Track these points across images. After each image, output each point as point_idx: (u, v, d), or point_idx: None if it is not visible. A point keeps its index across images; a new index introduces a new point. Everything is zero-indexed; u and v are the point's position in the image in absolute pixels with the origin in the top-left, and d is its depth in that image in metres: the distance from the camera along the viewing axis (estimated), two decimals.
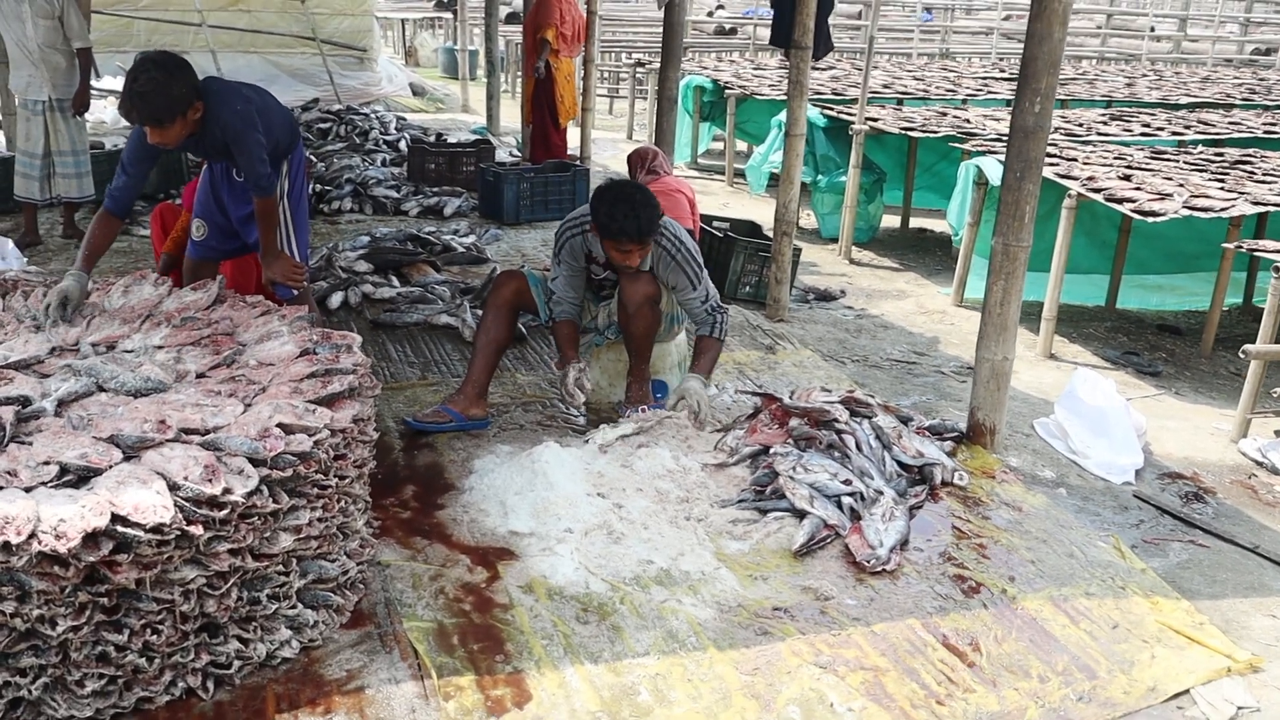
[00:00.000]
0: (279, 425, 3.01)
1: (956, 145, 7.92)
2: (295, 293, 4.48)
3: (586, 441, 4.24)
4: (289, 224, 4.48)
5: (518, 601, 3.30)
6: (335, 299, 6.26)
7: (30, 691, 2.61)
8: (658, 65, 8.72)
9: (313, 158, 10.02)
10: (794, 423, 4.26)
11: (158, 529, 2.61)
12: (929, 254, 9.00)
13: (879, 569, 3.54)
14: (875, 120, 8.81)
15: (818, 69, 13.69)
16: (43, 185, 7.01)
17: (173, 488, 2.72)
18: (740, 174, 11.55)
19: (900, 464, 4.22)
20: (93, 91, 7.43)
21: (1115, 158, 7.17)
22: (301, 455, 2.97)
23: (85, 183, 7.15)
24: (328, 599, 3.10)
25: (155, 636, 2.71)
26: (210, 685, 2.83)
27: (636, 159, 6.71)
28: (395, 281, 6.65)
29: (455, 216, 8.78)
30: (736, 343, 5.89)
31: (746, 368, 5.50)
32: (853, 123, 8.53)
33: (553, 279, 4.58)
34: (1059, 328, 6.74)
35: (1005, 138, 8.06)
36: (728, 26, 23.65)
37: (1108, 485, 4.47)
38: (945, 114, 9.55)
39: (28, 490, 2.67)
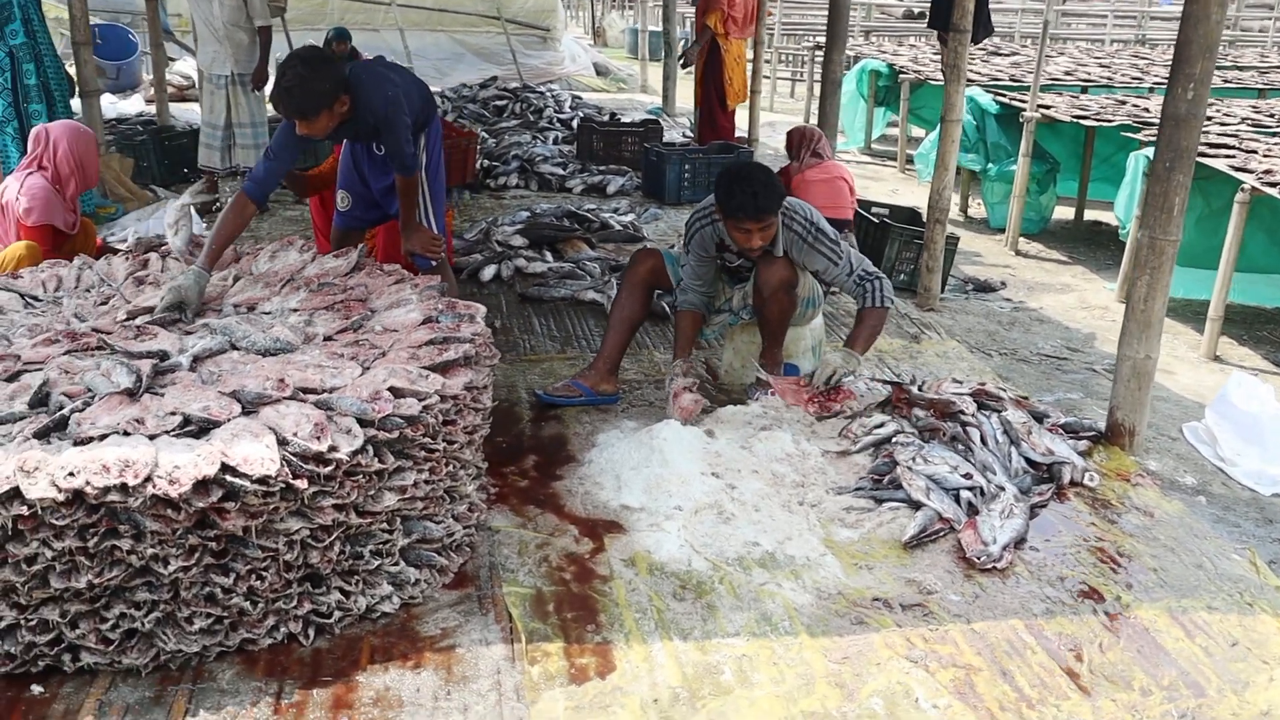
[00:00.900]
0: (390, 389, 3.10)
1: (1130, 135, 7.56)
2: (434, 263, 4.60)
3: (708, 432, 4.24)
4: (427, 197, 4.61)
5: (618, 574, 3.33)
6: (488, 272, 6.42)
7: (144, 624, 2.76)
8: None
9: (485, 133, 10.25)
10: (918, 413, 4.16)
11: (263, 480, 2.73)
12: (1101, 248, 8.65)
13: (989, 566, 3.43)
14: (1048, 107, 8.49)
15: (1000, 54, 13.28)
16: (223, 155, 7.38)
17: (282, 443, 2.83)
18: (912, 161, 11.31)
19: (1028, 461, 4.08)
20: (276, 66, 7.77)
21: None
22: (409, 419, 3.06)
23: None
24: (431, 559, 3.19)
25: (259, 582, 2.83)
26: (311, 632, 2.94)
27: (799, 138, 6.64)
28: (549, 256, 6.76)
29: (618, 195, 8.87)
30: (884, 330, 5.79)
31: (888, 356, 5.40)
32: (1024, 109, 8.24)
33: (684, 264, 4.60)
34: (1231, 329, 6.41)
35: None
36: (916, 10, 23.12)
37: (1254, 496, 4.23)
38: (1124, 103, 9.13)
39: (151, 438, 2.82)
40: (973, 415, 4.11)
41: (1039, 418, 4.41)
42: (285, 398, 3.03)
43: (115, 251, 4.80)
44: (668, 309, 5.64)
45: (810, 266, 4.41)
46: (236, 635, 2.86)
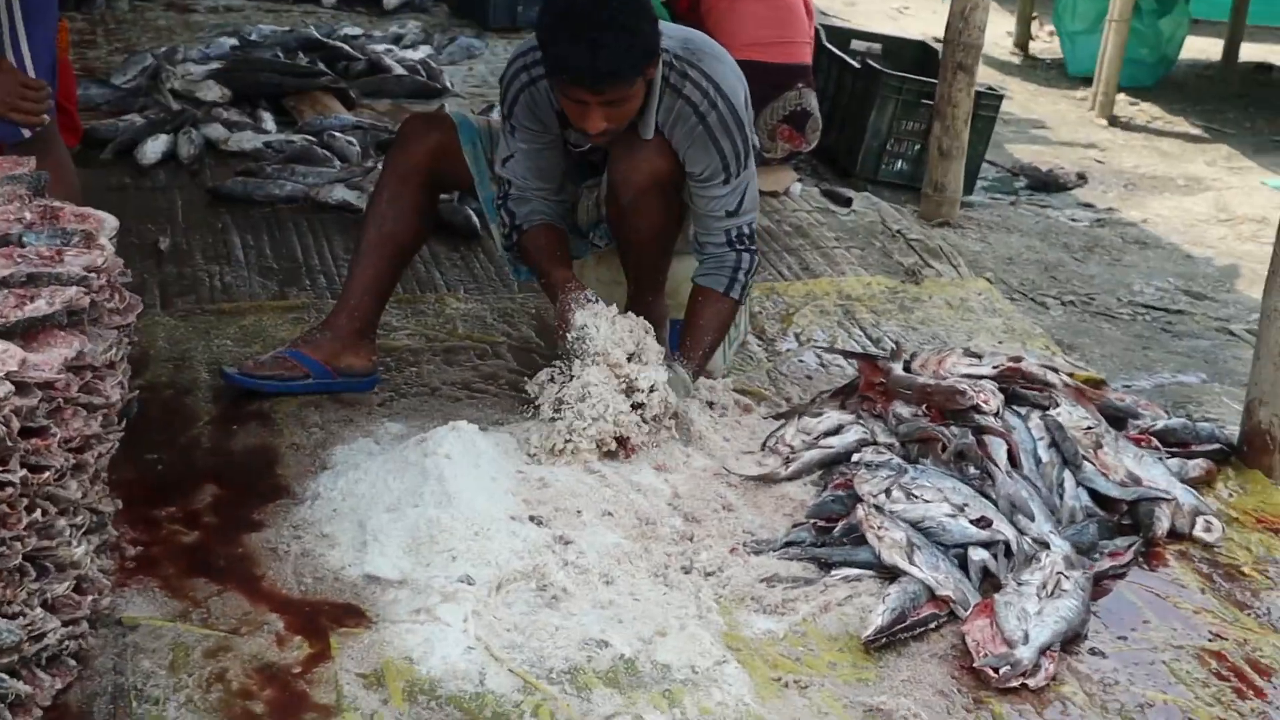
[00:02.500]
0: None
1: None
2: (28, 133, 4.52)
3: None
4: (17, 15, 4.52)
5: (352, 704, 3.30)
6: (154, 147, 6.40)
7: None
8: None
9: None
10: (901, 410, 4.22)
11: None
12: (1269, 109, 8.83)
13: (1012, 681, 3.47)
14: None
15: None
16: None
17: None
18: None
19: (1094, 496, 4.16)
20: None
21: None
22: None
23: None
24: None
25: None
26: None
27: None
28: (268, 121, 6.74)
29: (403, 10, 8.82)
30: (857, 260, 5.88)
31: (860, 305, 5.49)
32: None
33: (504, 157, 4.56)
34: None
35: None
36: None
37: None
38: None
39: None
40: (997, 416, 4.18)
41: (1119, 419, 4.49)
42: None
43: None
44: (474, 220, 5.64)
45: (689, 160, 4.41)
46: None
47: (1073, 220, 6.80)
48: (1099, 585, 3.86)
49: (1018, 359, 4.48)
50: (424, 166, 4.66)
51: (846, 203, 6.45)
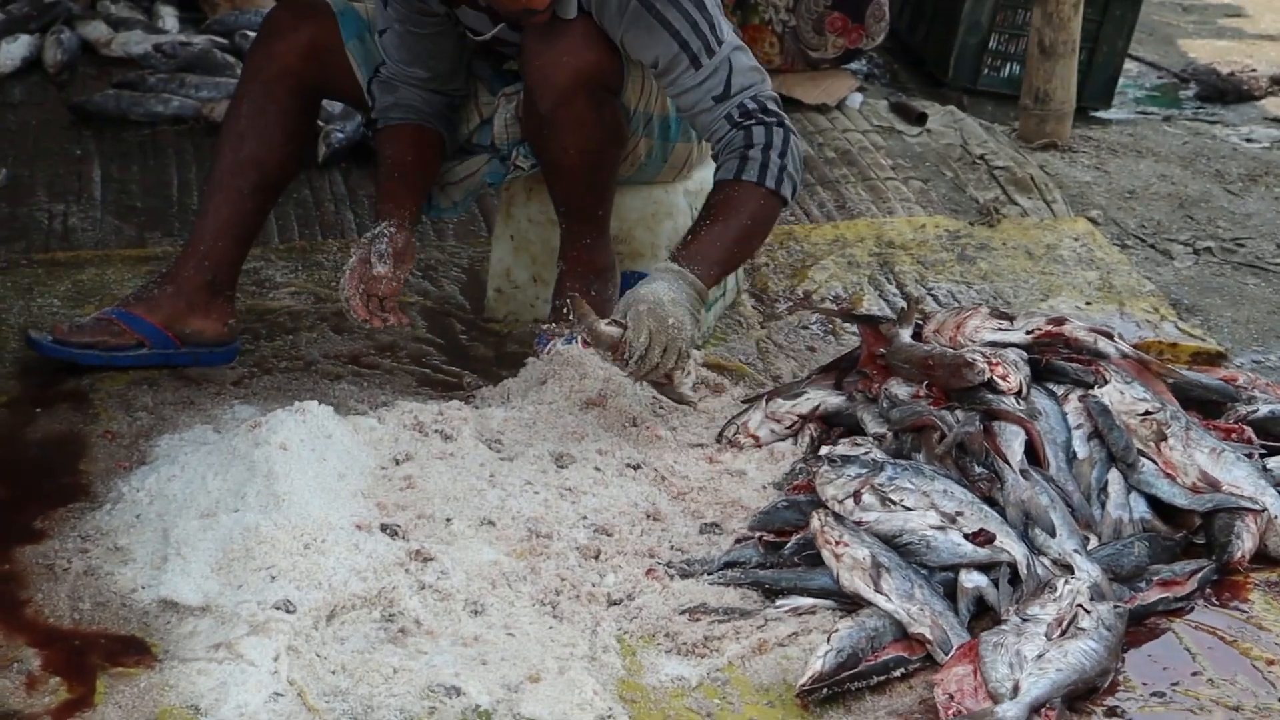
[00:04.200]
0: None
1: None
2: None
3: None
4: None
5: None
6: (12, 51, 6.48)
7: None
8: None
9: None
10: (896, 391, 4.21)
11: None
12: None
13: None
14: None
15: None
16: None
17: None
18: None
19: (1157, 505, 4.13)
20: None
21: None
22: None
23: None
24: None
25: None
26: None
27: None
28: (169, 18, 6.78)
29: None
30: (915, 195, 5.85)
31: (904, 254, 5.47)
32: None
33: (379, 29, 4.59)
34: None
35: None
36: None
37: None
38: None
39: None
40: (1020, 396, 4.16)
41: (1217, 403, 4.46)
42: None
43: None
44: (368, 136, 5.66)
45: (637, 54, 4.42)
46: None
47: (1246, 140, 6.70)
48: (1142, 624, 3.81)
49: (1060, 320, 4.45)
50: (293, 69, 4.68)
51: (920, 119, 6.41)
